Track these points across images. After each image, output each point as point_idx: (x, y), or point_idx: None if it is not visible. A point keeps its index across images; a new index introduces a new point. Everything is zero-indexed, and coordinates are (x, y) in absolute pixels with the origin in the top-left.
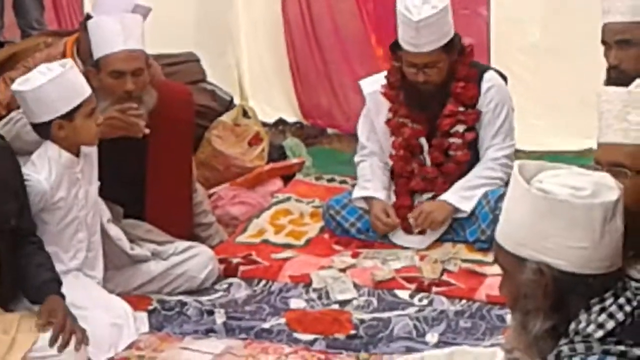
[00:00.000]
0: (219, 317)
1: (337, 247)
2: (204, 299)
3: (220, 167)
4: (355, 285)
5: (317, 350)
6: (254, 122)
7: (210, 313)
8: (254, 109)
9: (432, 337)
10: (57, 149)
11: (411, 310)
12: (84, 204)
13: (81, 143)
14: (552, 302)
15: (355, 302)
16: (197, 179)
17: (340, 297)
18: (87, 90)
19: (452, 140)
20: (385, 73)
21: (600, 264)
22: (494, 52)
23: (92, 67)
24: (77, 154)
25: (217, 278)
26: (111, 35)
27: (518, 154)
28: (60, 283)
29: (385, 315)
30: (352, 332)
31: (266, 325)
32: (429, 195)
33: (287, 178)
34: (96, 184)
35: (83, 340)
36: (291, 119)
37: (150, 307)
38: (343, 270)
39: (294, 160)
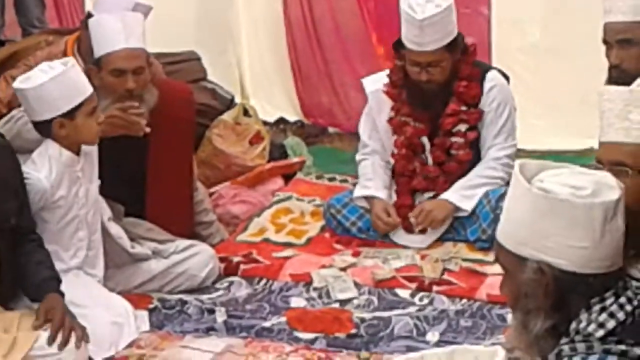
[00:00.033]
0: (220, 316)
1: (337, 246)
2: (204, 297)
3: (221, 165)
4: (356, 284)
5: (318, 349)
6: (254, 121)
7: (211, 312)
8: (255, 107)
9: (432, 336)
10: (58, 147)
11: (412, 309)
12: (85, 203)
13: (82, 142)
14: (552, 302)
15: (355, 301)
16: (197, 178)
17: (341, 296)
18: (89, 89)
19: (454, 139)
20: (387, 71)
21: (600, 264)
22: (495, 51)
23: (93, 65)
24: (77, 152)
25: (218, 277)
26: (112, 33)
27: (519, 153)
28: (59, 281)
29: (385, 314)
30: (353, 331)
31: (267, 324)
32: (430, 194)
33: (288, 177)
34: (97, 182)
35: (83, 337)
36: (292, 117)
37: (151, 306)
38: (344, 269)
39: (295, 159)
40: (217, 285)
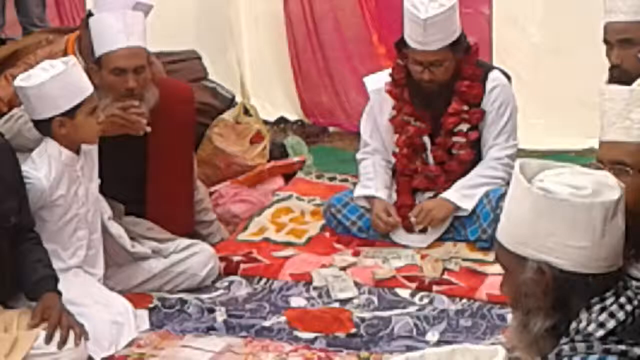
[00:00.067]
0: (220, 315)
1: (337, 246)
2: (204, 296)
3: (221, 165)
4: (356, 284)
5: (318, 349)
6: (255, 120)
7: (211, 311)
8: (255, 107)
9: (432, 336)
10: (57, 146)
11: (412, 309)
12: (84, 202)
13: (82, 141)
14: (552, 301)
15: (355, 301)
16: (198, 177)
17: (341, 296)
18: (89, 88)
19: (455, 139)
20: (389, 70)
21: (600, 263)
22: (495, 51)
23: (93, 64)
24: (77, 151)
25: (218, 276)
26: (113, 32)
27: (519, 153)
28: (56, 280)
29: (385, 314)
30: (353, 330)
31: (267, 324)
32: (431, 194)
33: (288, 176)
34: (96, 181)
35: (81, 335)
36: (292, 117)
37: (151, 305)
38: (344, 268)
39: (295, 159)
40: (217, 285)
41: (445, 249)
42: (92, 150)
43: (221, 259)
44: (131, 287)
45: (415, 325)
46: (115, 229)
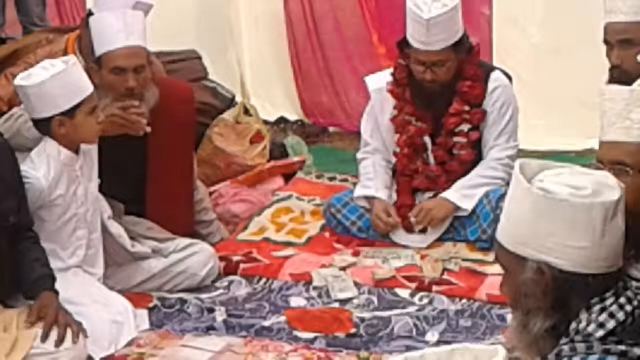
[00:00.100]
0: (219, 315)
1: (337, 246)
2: (204, 296)
3: (221, 164)
4: (356, 284)
5: (317, 349)
6: (255, 120)
7: (211, 310)
8: (255, 106)
9: (432, 336)
10: (56, 146)
11: (411, 309)
12: (84, 201)
13: (81, 141)
14: (552, 301)
15: (355, 301)
16: (198, 177)
17: (341, 296)
18: (89, 88)
19: (456, 139)
20: (390, 70)
21: (600, 264)
22: (496, 51)
23: (93, 63)
24: (76, 151)
25: (218, 276)
26: (113, 31)
27: (519, 153)
28: (54, 278)
29: (385, 314)
30: (353, 330)
31: (266, 323)
32: (431, 194)
33: (288, 176)
34: (96, 181)
35: (79, 333)
36: (292, 117)
37: (151, 305)
38: (343, 268)
39: (295, 159)
40: (217, 284)
41: (445, 249)
42: (91, 149)
43: (221, 258)
44: (131, 286)
45: (415, 325)
46: (115, 228)
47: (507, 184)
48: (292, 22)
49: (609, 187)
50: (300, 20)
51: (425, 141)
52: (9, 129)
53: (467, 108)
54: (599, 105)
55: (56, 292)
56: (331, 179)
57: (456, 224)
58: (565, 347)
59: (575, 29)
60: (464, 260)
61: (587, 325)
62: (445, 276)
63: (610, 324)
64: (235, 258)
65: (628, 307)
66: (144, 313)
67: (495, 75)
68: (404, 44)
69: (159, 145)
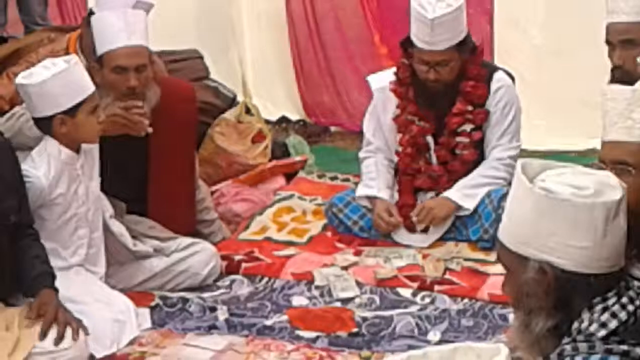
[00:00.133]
0: (221, 314)
1: (339, 245)
2: (206, 295)
3: (222, 164)
4: (358, 283)
5: (319, 348)
6: (257, 120)
7: (213, 310)
8: (257, 106)
9: (434, 335)
10: (57, 145)
11: (413, 308)
12: (85, 200)
13: (82, 140)
14: (554, 301)
15: (357, 300)
16: (199, 176)
17: (343, 295)
18: (91, 87)
19: (459, 139)
20: (393, 69)
21: (602, 264)
22: (497, 52)
23: (95, 62)
24: (77, 150)
25: (220, 275)
26: (114, 31)
27: (521, 153)
28: (53, 276)
29: (387, 313)
30: (355, 330)
31: (268, 323)
32: (433, 194)
33: (290, 176)
34: (97, 179)
35: (79, 330)
36: (294, 116)
37: (153, 304)
38: (345, 268)
39: (297, 158)
40: (219, 284)
41: (447, 249)
42: (92, 149)
43: (223, 257)
44: (133, 285)
45: (417, 324)
46: (117, 227)
47: (509, 184)
48: (294, 22)
49: (611, 187)
50: (302, 21)
51: (428, 141)
52: (10, 128)
53: (470, 108)
54: (600, 105)
55: (56, 290)
56: (333, 178)
57: (458, 224)
58: (568, 347)
59: (576, 29)
60: (465, 260)
61: (590, 325)
62: (447, 276)
63: (613, 324)
64: (237, 257)
65: (630, 307)
66: (145, 312)
67: (498, 76)
68: (407, 43)
69: (160, 144)
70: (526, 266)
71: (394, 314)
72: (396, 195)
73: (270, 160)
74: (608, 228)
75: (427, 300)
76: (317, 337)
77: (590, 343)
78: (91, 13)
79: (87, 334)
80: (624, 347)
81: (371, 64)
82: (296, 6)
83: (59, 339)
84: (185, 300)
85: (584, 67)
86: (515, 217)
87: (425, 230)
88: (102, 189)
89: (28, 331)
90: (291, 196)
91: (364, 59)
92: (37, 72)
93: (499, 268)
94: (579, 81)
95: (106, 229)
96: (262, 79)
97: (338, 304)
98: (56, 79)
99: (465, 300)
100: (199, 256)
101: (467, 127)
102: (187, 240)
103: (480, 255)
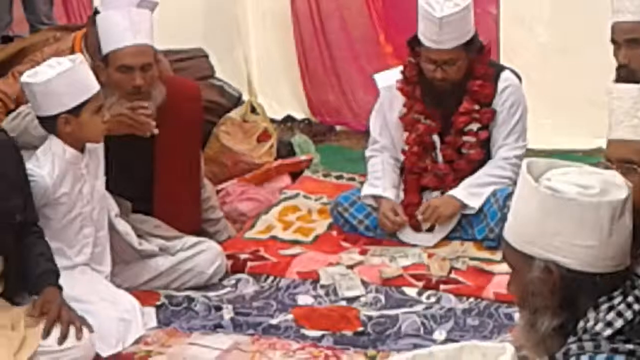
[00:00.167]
0: (227, 313)
1: (345, 244)
2: (211, 294)
3: (228, 163)
4: (363, 282)
5: (325, 347)
6: (262, 119)
7: (218, 309)
8: (263, 105)
9: (439, 334)
10: (62, 144)
11: (419, 307)
12: (89, 200)
13: (86, 140)
14: (560, 300)
15: (363, 299)
16: (205, 175)
17: (348, 294)
18: (96, 87)
19: (465, 138)
20: (400, 68)
21: (608, 263)
22: (503, 51)
23: (100, 62)
24: (81, 149)
25: (225, 274)
26: (120, 30)
27: (526, 152)
28: (58, 274)
29: (393, 312)
30: (360, 329)
31: (274, 321)
32: (438, 193)
33: (295, 175)
34: (102, 178)
35: (82, 329)
36: (299, 115)
37: (158, 303)
38: (351, 267)
39: (302, 157)
40: (224, 283)
41: (452, 248)
42: (97, 148)
43: (228, 256)
44: (138, 284)
45: (423, 323)
46: (122, 226)
47: (515, 183)
48: (299, 21)
49: (616, 186)
50: (307, 20)
51: (434, 140)
52: (16, 127)
53: (477, 107)
54: (606, 104)
55: (60, 288)
56: (338, 177)
57: (464, 223)
58: (573, 346)
59: (582, 28)
60: (471, 259)
61: (595, 324)
62: (452, 275)
63: (618, 323)
64: (243, 256)
65: (636, 306)
66: (151, 311)
67: (505, 75)
68: (414, 42)
69: (166, 143)
70: (532, 265)
71: (399, 313)
72: (402, 194)
73: (275, 159)
74: (614, 227)
75: (433, 299)
76: (323, 336)
77: (596, 342)
78: (96, 12)
79: (91, 331)
80: (630, 346)
81: (376, 63)
82: (301, 5)
83: (62, 337)
84: (190, 299)
85: (590, 65)
86: (521, 216)
87: (430, 229)
88: (108, 188)
89: (34, 330)
90: (297, 195)
91: (369, 58)
92: (42, 71)
93: (504, 267)
94: (585, 80)
95: (111, 227)
96: (267, 78)
97: (343, 303)
98: (61, 78)
99: (471, 300)
100: (204, 255)
101: (474, 127)
102: (193, 239)
103: (485, 254)
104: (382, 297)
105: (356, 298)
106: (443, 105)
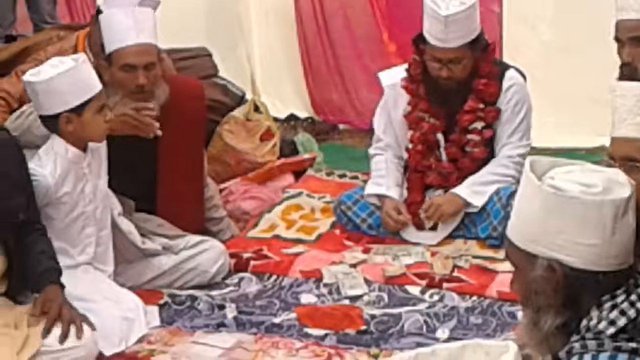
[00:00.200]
0: (230, 312)
1: (348, 243)
2: (214, 293)
3: (231, 162)
4: (366, 281)
5: (328, 346)
6: (265, 118)
7: (221, 307)
8: (266, 104)
9: (442, 333)
10: (64, 143)
11: (422, 306)
12: (92, 199)
13: (88, 139)
14: (563, 299)
15: (366, 298)
16: (208, 174)
17: (351, 293)
18: (98, 86)
19: (470, 136)
20: (404, 66)
21: (611, 261)
22: (506, 49)
23: (103, 61)
24: (84, 149)
25: (228, 273)
26: (123, 29)
27: (530, 151)
28: (59, 272)
29: (395, 311)
30: (363, 327)
31: (277, 320)
32: (441, 191)
33: (298, 173)
34: (105, 177)
35: (82, 327)
36: (303, 114)
37: (161, 301)
38: (354, 265)
39: (306, 156)
40: (228, 281)
41: (455, 247)
42: (100, 147)
43: (231, 255)
44: (141, 283)
45: (426, 322)
46: (126, 225)
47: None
48: (302, 19)
49: (619, 185)
50: (310, 18)
51: (438, 138)
52: (19, 126)
53: (481, 106)
54: (610, 102)
55: (62, 286)
56: (341, 176)
57: (467, 221)
58: (576, 345)
59: (585, 26)
60: (474, 257)
61: (598, 322)
62: (455, 273)
63: (622, 322)
64: (246, 255)
65: (639, 305)
66: (154, 310)
67: (510, 74)
68: (420, 40)
69: (169, 142)
70: (535, 264)
71: (402, 311)
72: (405, 193)
73: (278, 158)
74: (617, 225)
75: (436, 297)
76: (326, 335)
77: (599, 341)
78: (99, 11)
79: (93, 329)
80: (633, 345)
81: (380, 62)
82: (305, 4)
83: (63, 336)
84: (194, 298)
85: (593, 63)
86: (524, 214)
87: (433, 228)
88: (111, 187)
89: (37, 329)
90: (300, 194)
91: (372, 57)
92: (45, 70)
93: (507, 265)
94: (588, 78)
95: (115, 226)
96: (270, 77)
97: (346, 302)
98: (63, 76)
99: (474, 298)
100: (207, 254)
101: (478, 125)
102: (196, 238)
103: (488, 252)
104: (385, 296)
105: (359, 297)
106: (448, 103)
